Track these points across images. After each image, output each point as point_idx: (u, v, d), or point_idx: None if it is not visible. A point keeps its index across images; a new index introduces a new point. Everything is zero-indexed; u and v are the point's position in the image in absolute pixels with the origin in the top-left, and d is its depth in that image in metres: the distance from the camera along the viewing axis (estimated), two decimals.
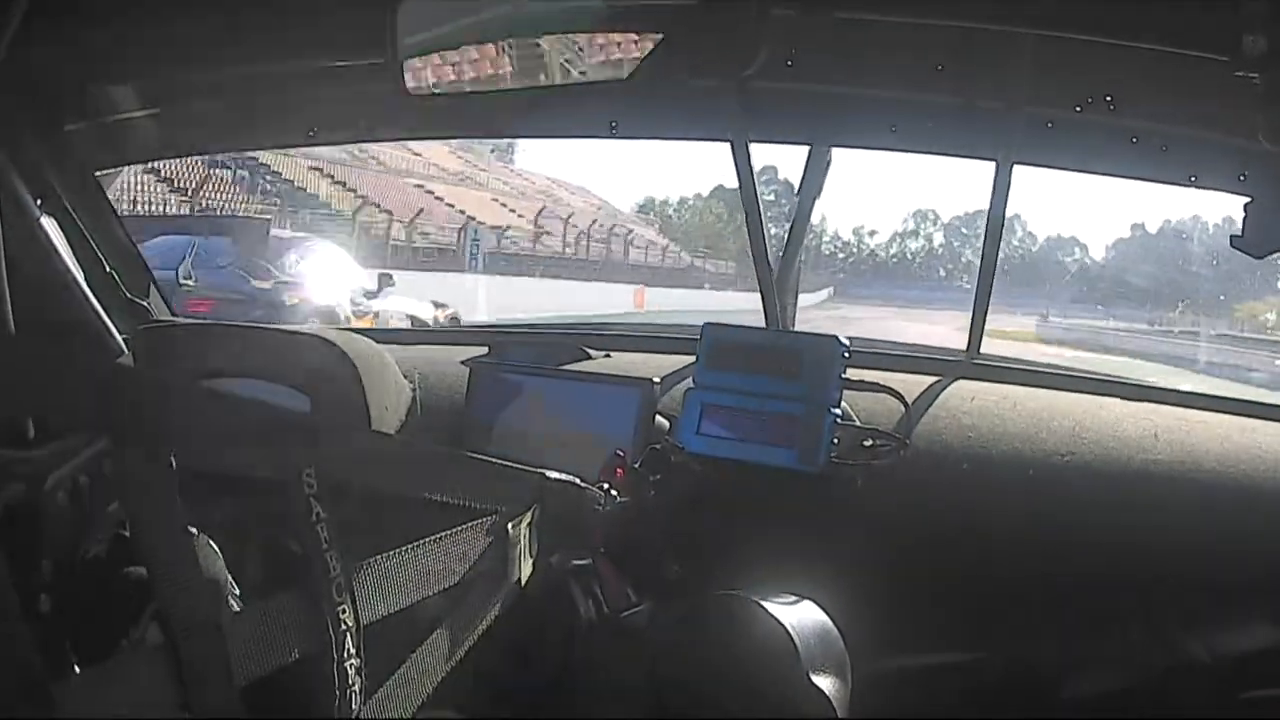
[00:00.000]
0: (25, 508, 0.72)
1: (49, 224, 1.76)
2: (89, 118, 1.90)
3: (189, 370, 1.56)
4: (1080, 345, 19.57)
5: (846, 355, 1.52)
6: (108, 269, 1.93)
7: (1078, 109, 1.59)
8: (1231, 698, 1.40)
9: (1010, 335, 18.92)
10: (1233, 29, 1.10)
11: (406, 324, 8.73)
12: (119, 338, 1.77)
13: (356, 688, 0.78)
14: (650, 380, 1.58)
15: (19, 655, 0.55)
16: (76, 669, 0.72)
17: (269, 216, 14.66)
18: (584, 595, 1.14)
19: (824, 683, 1.00)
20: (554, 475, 1.10)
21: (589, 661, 1.13)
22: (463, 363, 1.78)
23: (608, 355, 1.87)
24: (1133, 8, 1.29)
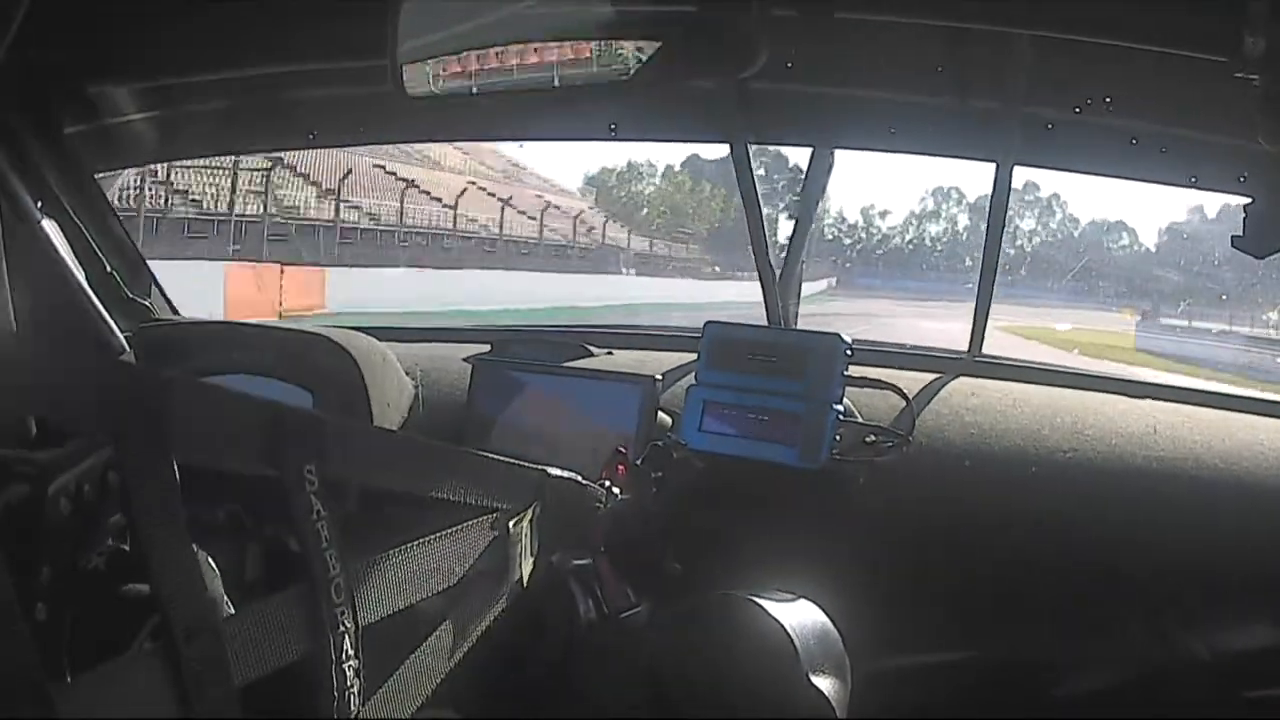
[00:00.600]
0: (28, 510, 0.72)
1: (49, 225, 1.76)
2: (89, 120, 1.90)
3: (190, 368, 1.57)
4: (1227, 368, 12.26)
5: (849, 353, 1.52)
6: (108, 269, 1.93)
7: (1077, 110, 1.60)
8: (1233, 696, 1.40)
9: (1094, 347, 12.28)
10: (1232, 30, 1.10)
11: None
12: (120, 336, 1.77)
13: (355, 689, 0.77)
14: (652, 377, 1.59)
15: (20, 656, 0.55)
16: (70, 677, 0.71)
17: None
18: (584, 595, 1.14)
19: (823, 683, 1.00)
20: (555, 472, 1.10)
21: (588, 661, 1.13)
22: (465, 360, 1.78)
23: (610, 353, 1.87)
24: (1132, 8, 1.29)
